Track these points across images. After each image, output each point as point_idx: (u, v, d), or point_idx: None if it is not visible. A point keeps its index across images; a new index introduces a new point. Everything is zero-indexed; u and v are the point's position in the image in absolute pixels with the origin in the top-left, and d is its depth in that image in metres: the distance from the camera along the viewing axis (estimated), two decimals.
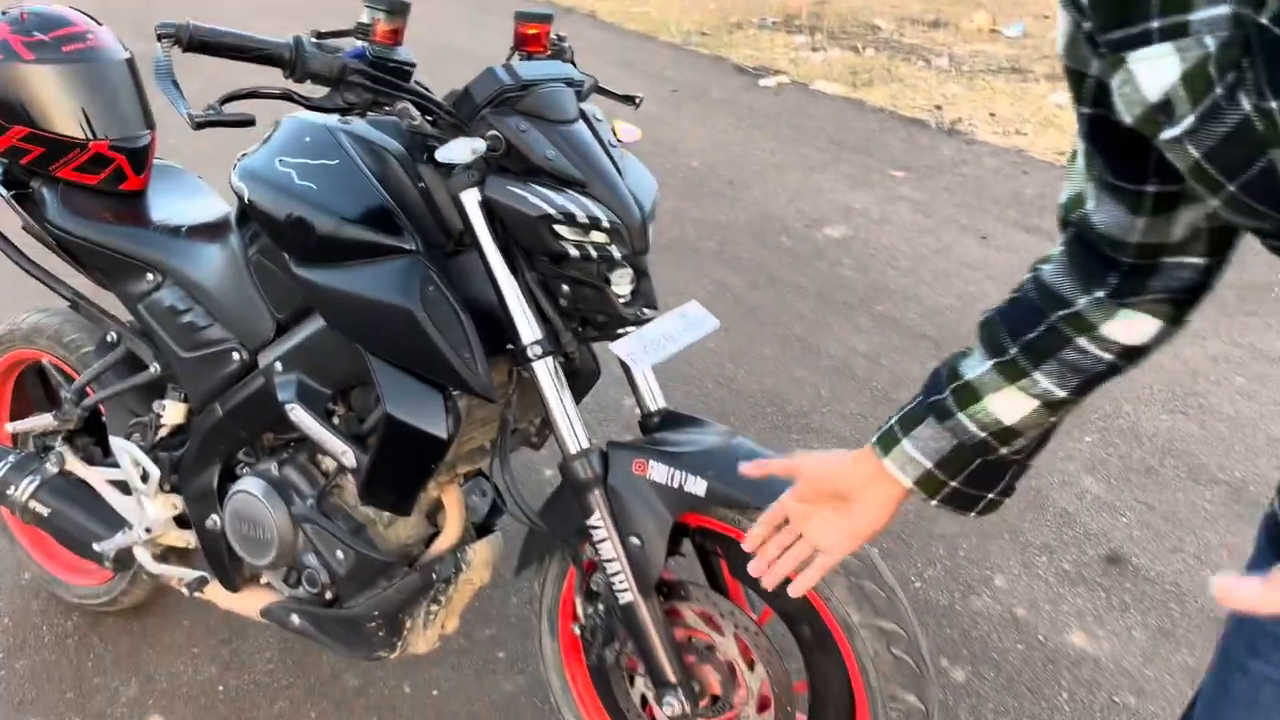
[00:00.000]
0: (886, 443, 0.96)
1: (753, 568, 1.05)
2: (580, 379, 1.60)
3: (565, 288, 1.37)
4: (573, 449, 1.38)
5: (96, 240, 1.73)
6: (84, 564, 2.17)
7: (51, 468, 1.89)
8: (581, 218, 1.30)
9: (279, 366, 1.55)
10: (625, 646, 1.47)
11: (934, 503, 0.97)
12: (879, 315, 3.22)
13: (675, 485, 1.34)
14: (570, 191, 1.31)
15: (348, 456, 1.49)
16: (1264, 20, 0.55)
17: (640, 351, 1.35)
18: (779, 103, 5.70)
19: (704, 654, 1.44)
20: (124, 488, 1.87)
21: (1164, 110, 0.62)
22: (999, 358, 0.89)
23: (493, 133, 1.31)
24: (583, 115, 1.39)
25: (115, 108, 1.76)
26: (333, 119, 1.43)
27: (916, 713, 1.31)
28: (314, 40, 1.27)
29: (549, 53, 1.53)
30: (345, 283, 1.38)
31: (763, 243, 3.78)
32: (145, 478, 1.78)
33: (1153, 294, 0.81)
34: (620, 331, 1.37)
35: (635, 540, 1.36)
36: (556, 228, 1.31)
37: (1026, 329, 0.87)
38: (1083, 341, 0.84)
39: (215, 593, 1.83)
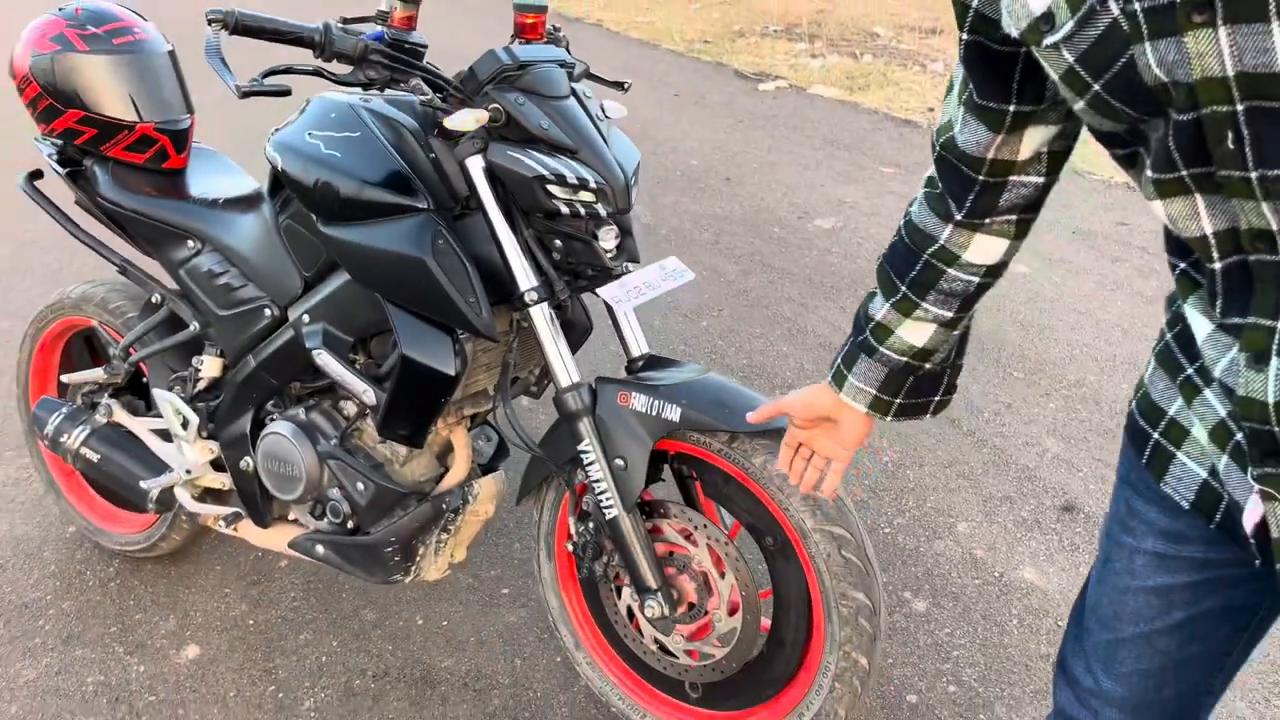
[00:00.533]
0: (838, 380, 1.18)
1: (790, 482, 1.28)
2: (575, 331, 1.80)
3: (558, 243, 1.57)
4: (565, 383, 1.57)
5: (143, 212, 1.94)
6: (123, 514, 2.38)
7: (100, 418, 2.10)
8: (571, 179, 1.50)
9: (306, 318, 1.75)
10: (612, 559, 1.66)
11: (890, 419, 1.18)
12: (863, 298, 3.41)
13: (654, 413, 1.54)
14: (562, 157, 1.51)
15: (368, 395, 1.69)
16: None
17: (623, 296, 1.55)
18: (777, 106, 5.91)
19: (681, 567, 1.63)
20: (165, 436, 2.08)
21: (1046, 20, 0.77)
22: (893, 297, 1.10)
23: (494, 105, 1.51)
24: (574, 93, 1.59)
25: (160, 94, 1.97)
26: (354, 97, 1.64)
27: (865, 608, 1.50)
28: (340, 25, 1.48)
29: (545, 39, 1.74)
30: (366, 238, 1.58)
31: (756, 233, 3.98)
32: (185, 425, 1.99)
33: (1000, 213, 1.00)
34: (607, 282, 1.57)
35: (620, 462, 1.56)
36: (549, 187, 1.51)
37: (908, 269, 1.08)
38: (952, 271, 1.05)
39: (247, 529, 2.03)
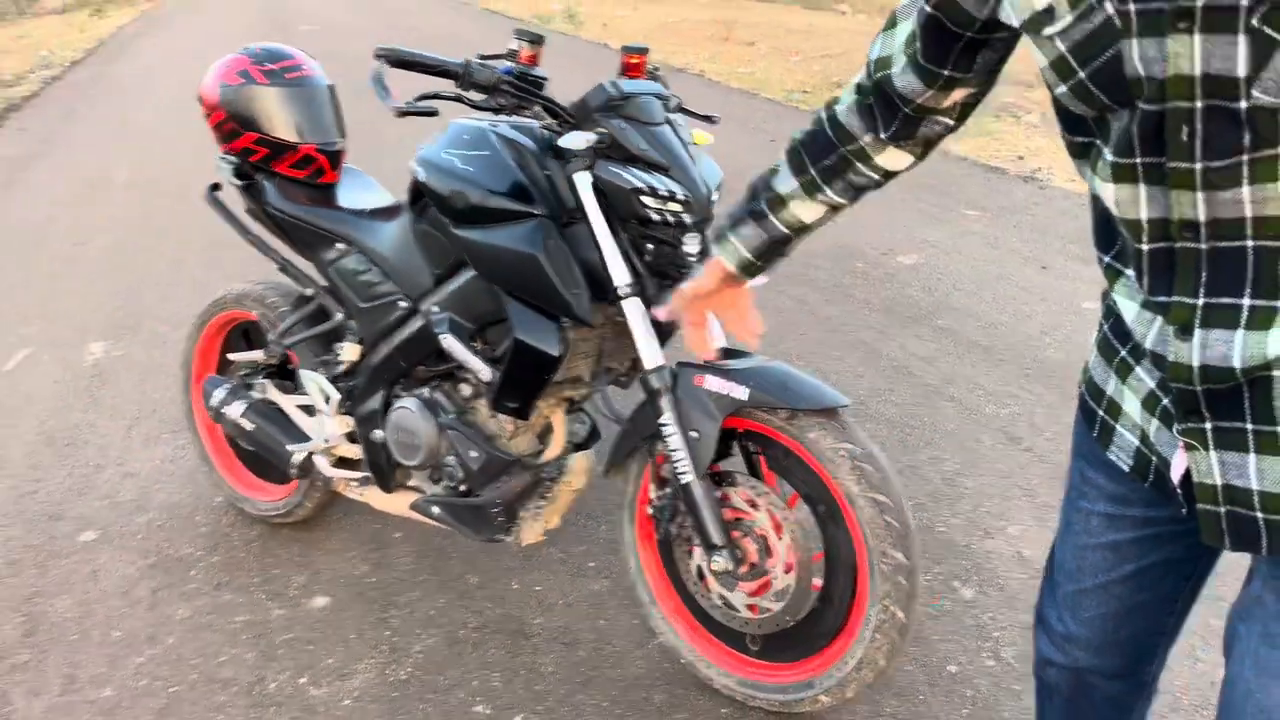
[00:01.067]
0: (719, 240, 1.46)
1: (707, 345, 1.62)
2: (662, 328, 2.08)
3: (649, 246, 1.86)
4: (650, 365, 1.85)
5: (302, 219, 2.30)
6: (266, 485, 2.73)
7: (256, 394, 2.46)
8: (663, 191, 1.79)
9: (435, 309, 2.07)
10: (685, 521, 1.91)
11: (742, 275, 1.46)
12: (939, 327, 3.61)
13: (724, 393, 1.80)
14: (655, 173, 1.80)
15: (484, 373, 1.99)
16: None
17: None
18: None
19: (745, 530, 1.87)
20: (308, 411, 2.42)
21: (1048, 14, 0.92)
22: (802, 176, 1.35)
23: (601, 129, 1.81)
24: (668, 120, 1.88)
25: (321, 121, 2.33)
26: (485, 121, 1.96)
27: (903, 567, 1.72)
28: (478, 60, 1.80)
29: (645, 77, 2.03)
30: (490, 238, 1.89)
31: (840, 266, 4.21)
32: (328, 401, 2.32)
33: (914, 139, 1.26)
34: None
35: (694, 434, 1.82)
36: (644, 198, 1.79)
37: (823, 157, 1.32)
38: (861, 167, 1.30)
39: (372, 494, 2.35)
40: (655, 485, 1.97)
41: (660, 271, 1.88)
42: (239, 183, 2.38)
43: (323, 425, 2.35)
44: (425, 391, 2.18)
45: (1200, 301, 0.91)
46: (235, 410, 2.43)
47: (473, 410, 2.15)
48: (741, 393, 1.78)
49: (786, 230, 1.39)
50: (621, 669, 2.14)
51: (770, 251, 1.43)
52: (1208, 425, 0.95)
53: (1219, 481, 0.96)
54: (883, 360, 3.39)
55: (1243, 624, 1.02)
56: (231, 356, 2.58)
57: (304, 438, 2.40)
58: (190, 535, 2.72)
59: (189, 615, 2.41)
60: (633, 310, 1.85)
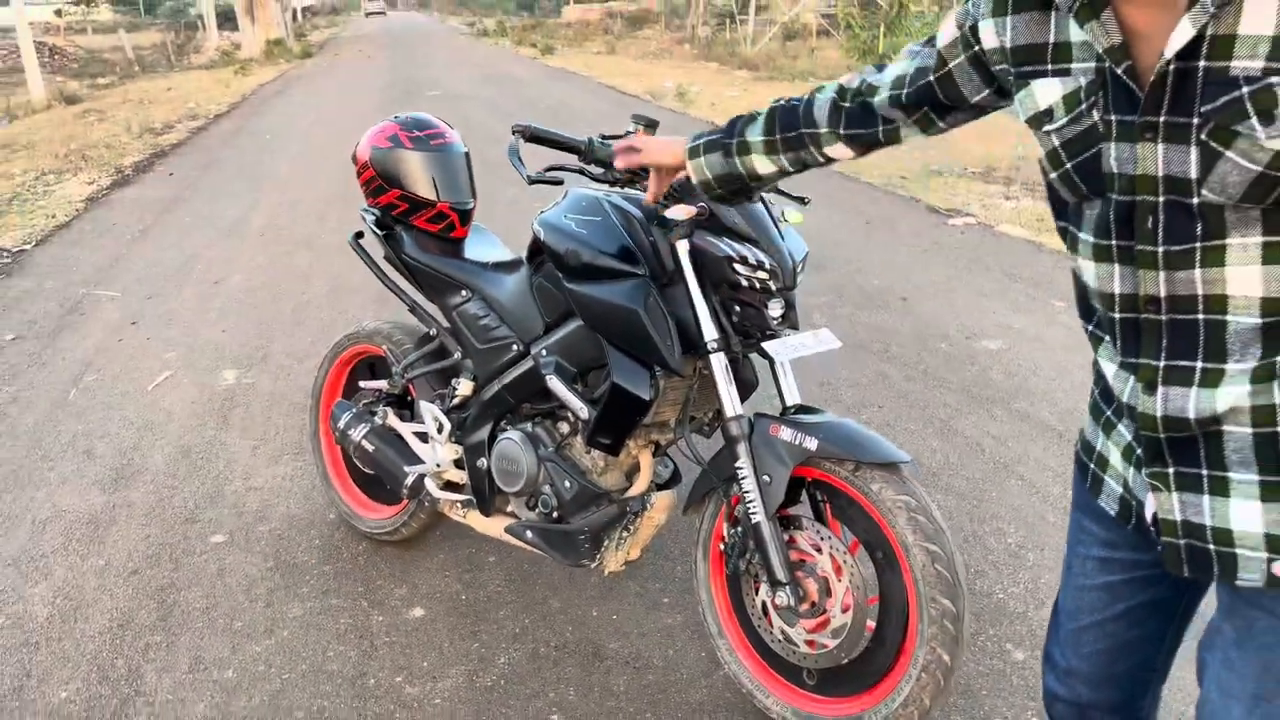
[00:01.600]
0: (693, 153, 1.74)
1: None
2: (744, 385, 2.29)
3: (737, 309, 2.09)
4: (730, 414, 2.06)
5: (433, 267, 2.60)
6: (376, 505, 3.01)
7: (378, 420, 2.75)
8: (752, 260, 2.02)
9: (544, 353, 2.33)
10: (754, 558, 2.11)
11: (704, 192, 1.77)
12: (1015, 410, 3.74)
13: (796, 443, 2.00)
14: (747, 244, 2.04)
15: (583, 412, 2.24)
16: (1114, 70, 1.06)
17: (782, 350, 2.04)
18: (963, 240, 6.31)
19: (808, 571, 2.05)
20: (422, 438, 2.70)
21: (1048, 114, 1.15)
22: (768, 137, 1.62)
23: (701, 205, 2.06)
24: (762, 199, 2.12)
25: (456, 183, 2.64)
26: (601, 191, 2.23)
27: (950, 613, 1.88)
28: (600, 139, 2.08)
29: None
30: (598, 292, 2.15)
31: (923, 346, 4.37)
32: (441, 429, 2.60)
33: (862, 144, 1.53)
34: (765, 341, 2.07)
35: (766, 478, 2.02)
36: (735, 265, 2.03)
37: (789, 130, 1.60)
38: (813, 149, 1.57)
39: (473, 517, 2.60)
40: (728, 524, 2.18)
41: (744, 331, 2.11)
42: (380, 232, 2.70)
43: (435, 451, 2.62)
44: (528, 426, 2.43)
45: (1162, 364, 1.11)
46: (359, 433, 2.72)
47: (569, 446, 2.40)
48: (811, 444, 1.98)
49: (742, 171, 1.68)
50: (687, 695, 2.32)
51: (727, 182, 1.73)
52: (1170, 470, 1.14)
53: (1179, 518, 1.14)
54: (957, 436, 3.53)
55: (1208, 653, 1.20)
56: (362, 384, 2.88)
57: (417, 461, 2.67)
58: (306, 545, 3.01)
59: (301, 614, 2.68)
60: (718, 364, 2.07)
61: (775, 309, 2.07)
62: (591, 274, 2.17)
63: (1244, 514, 1.09)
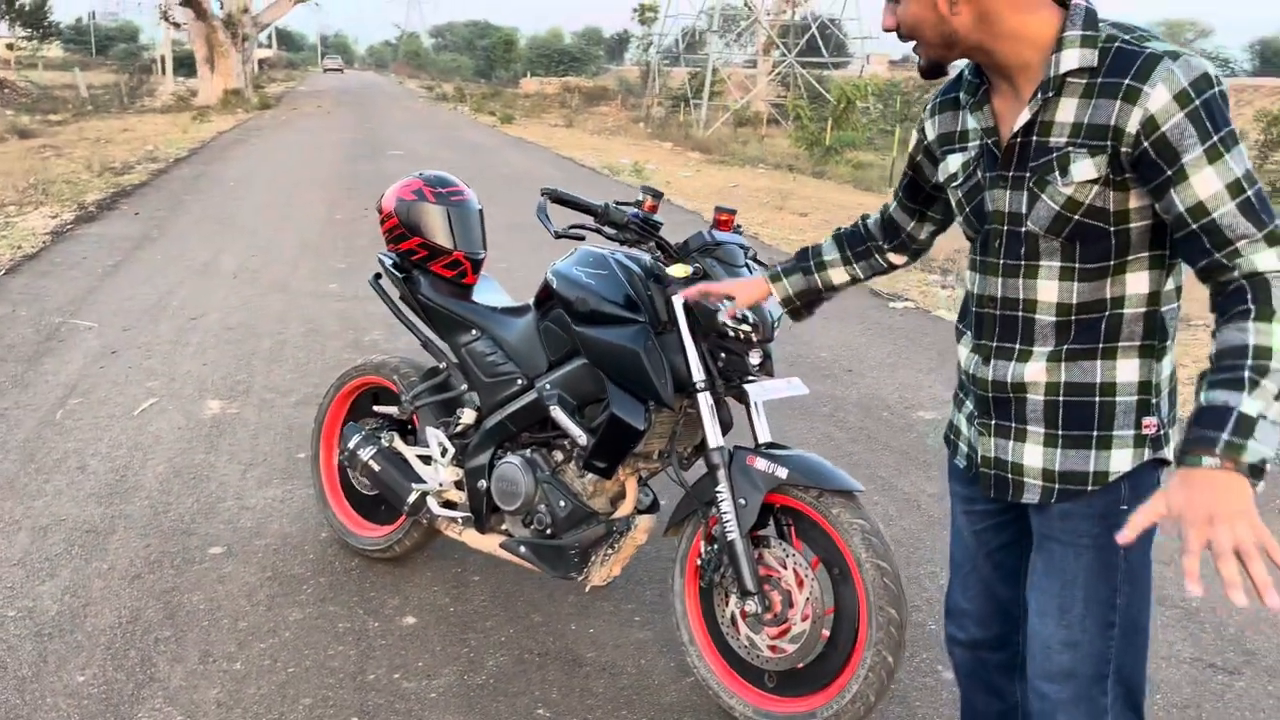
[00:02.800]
0: (774, 278, 2.11)
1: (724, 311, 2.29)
2: (723, 425, 2.63)
3: (723, 355, 2.44)
4: (713, 445, 2.40)
5: (447, 307, 2.92)
6: (370, 524, 3.26)
7: (385, 442, 3.03)
8: (739, 314, 2.38)
9: (548, 386, 2.65)
10: (727, 571, 2.42)
11: (787, 313, 2.14)
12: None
13: (769, 472, 2.33)
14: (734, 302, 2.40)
15: (582, 438, 2.55)
16: (989, 142, 1.57)
17: (759, 392, 2.39)
18: (904, 321, 6.79)
19: (774, 585, 2.37)
20: (425, 461, 2.98)
21: (954, 176, 1.66)
22: (842, 253, 2.03)
23: (696, 265, 2.42)
24: (748, 265, 2.49)
25: (470, 234, 2.98)
26: (609, 249, 2.58)
27: (895, 620, 2.21)
28: (614, 204, 2.44)
29: (732, 230, 2.66)
30: (603, 335, 2.48)
31: (867, 414, 4.77)
32: (445, 453, 2.89)
33: (905, 250, 1.97)
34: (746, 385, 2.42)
35: (742, 501, 2.35)
36: (722, 318, 2.38)
37: (857, 246, 2.01)
38: (878, 258, 1.98)
39: (469, 534, 2.88)
40: (706, 542, 2.49)
41: (727, 375, 2.46)
42: (399, 275, 3.01)
43: (438, 472, 2.91)
44: (527, 452, 2.74)
45: (995, 344, 1.64)
46: (367, 453, 3.00)
47: (563, 471, 2.70)
48: (782, 473, 2.32)
49: (820, 285, 2.05)
50: (659, 697, 2.61)
51: (805, 295, 2.09)
52: (992, 421, 1.67)
53: (993, 455, 1.67)
54: (897, 493, 3.90)
55: (1028, 591, 1.69)
56: (376, 409, 3.16)
57: (420, 481, 2.95)
58: (301, 559, 3.25)
59: (301, 618, 2.91)
60: (704, 402, 2.41)
61: (755, 357, 2.42)
62: (598, 319, 2.50)
63: (1031, 455, 1.62)
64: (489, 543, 2.84)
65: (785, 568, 2.37)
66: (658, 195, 2.48)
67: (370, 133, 21.90)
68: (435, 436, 2.91)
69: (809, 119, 22.76)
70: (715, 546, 2.46)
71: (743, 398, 2.47)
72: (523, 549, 2.73)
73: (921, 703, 2.62)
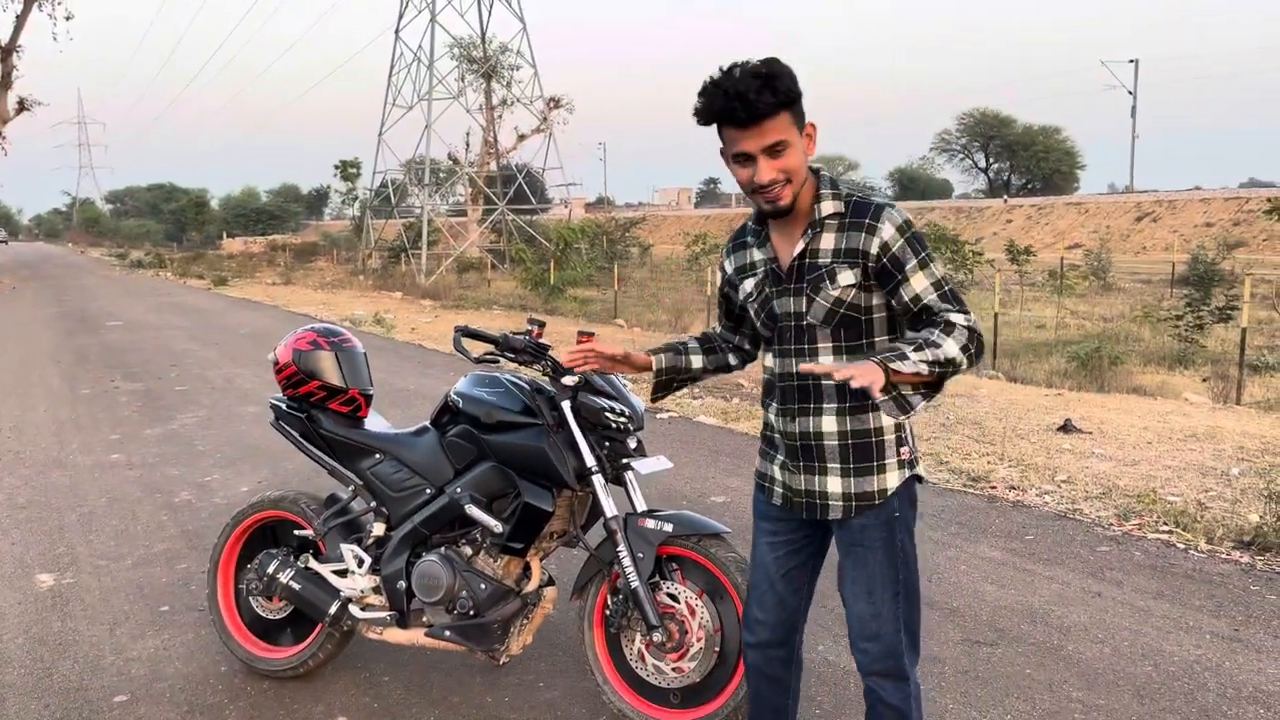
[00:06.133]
0: (653, 353, 2.69)
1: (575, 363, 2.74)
2: (612, 495, 3.26)
3: (607, 444, 3.10)
4: (610, 514, 3.02)
5: (350, 438, 3.38)
6: (277, 648, 3.56)
7: (301, 564, 3.39)
8: (618, 410, 3.06)
9: (458, 490, 3.18)
10: (632, 614, 3.02)
11: (656, 378, 2.69)
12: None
13: (658, 528, 2.99)
14: (614, 400, 3.08)
15: (497, 527, 3.09)
16: (773, 267, 2.32)
17: (640, 468, 3.07)
18: (672, 428, 7.70)
19: (671, 618, 3.00)
20: (340, 574, 3.37)
21: (749, 295, 2.40)
22: (701, 347, 2.72)
23: (580, 374, 3.09)
24: (617, 376, 3.18)
25: (359, 374, 3.48)
26: (495, 371, 3.20)
27: None
28: (511, 334, 3.07)
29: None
30: (510, 439, 3.07)
31: (670, 503, 5.53)
32: (361, 563, 3.31)
33: (739, 352, 2.67)
34: (629, 464, 3.09)
35: (640, 554, 2.98)
36: (606, 414, 3.06)
37: (708, 344, 2.70)
38: (721, 354, 2.72)
39: (390, 633, 3.29)
40: (611, 595, 3.09)
41: (612, 459, 3.11)
42: (300, 415, 3.44)
43: (355, 582, 3.31)
44: (441, 550, 3.23)
45: (796, 406, 2.31)
46: (287, 575, 3.35)
47: (475, 560, 3.22)
48: (669, 527, 2.98)
49: (685, 365, 2.63)
50: None
51: (673, 372, 2.64)
52: (800, 463, 2.33)
53: (804, 488, 2.34)
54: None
55: (840, 587, 2.39)
56: (297, 533, 3.50)
57: (337, 594, 3.33)
58: (212, 690, 3.47)
59: None
60: (599, 482, 3.05)
61: (632, 442, 3.11)
62: (503, 427, 3.10)
63: (833, 484, 2.30)
64: (412, 635, 3.26)
65: (679, 602, 3.01)
66: (541, 324, 3.15)
67: (76, 306, 20.74)
68: (350, 551, 3.33)
69: (531, 262, 24.10)
70: (620, 596, 3.06)
71: (619, 480, 3.13)
72: (448, 633, 3.18)
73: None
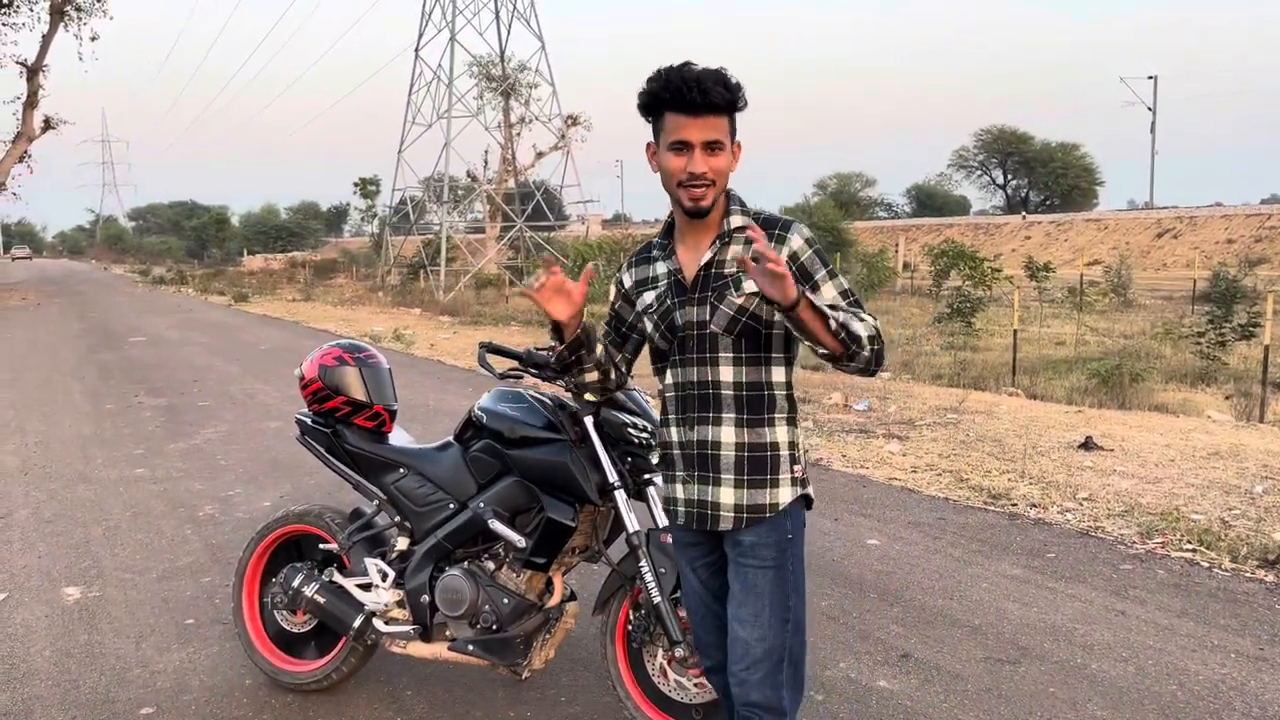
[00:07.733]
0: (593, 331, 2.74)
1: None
2: (634, 510, 3.28)
3: (629, 459, 3.12)
4: (632, 530, 3.04)
5: (375, 453, 3.41)
6: (303, 661, 3.59)
7: (325, 577, 3.42)
8: (640, 425, 3.08)
9: (481, 505, 3.20)
10: (655, 629, 3.03)
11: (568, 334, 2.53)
12: None
13: None
14: (636, 416, 3.10)
15: (520, 542, 3.11)
16: (678, 278, 2.34)
17: (660, 485, 3.08)
18: None
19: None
20: (364, 588, 3.40)
21: (649, 307, 2.40)
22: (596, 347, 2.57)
23: (598, 402, 3.11)
24: (637, 390, 3.20)
25: (384, 390, 3.52)
26: (519, 387, 3.23)
27: None
28: (535, 349, 3.10)
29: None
30: (533, 454, 3.10)
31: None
32: (385, 577, 3.33)
33: (627, 364, 2.65)
34: (652, 479, 3.11)
35: (662, 570, 2.99)
36: (629, 429, 3.08)
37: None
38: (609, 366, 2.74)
39: (414, 646, 3.31)
40: (633, 610, 3.10)
41: (635, 474, 3.13)
42: (325, 430, 3.48)
43: (379, 596, 3.34)
44: (466, 564, 3.25)
45: (695, 415, 2.31)
46: (312, 589, 3.38)
47: (498, 575, 3.24)
48: None
49: (592, 348, 2.51)
50: None
51: (588, 344, 2.49)
52: (695, 473, 2.33)
53: (696, 499, 2.33)
54: None
55: (729, 608, 2.33)
56: (321, 547, 3.53)
57: (361, 608, 3.36)
58: (237, 704, 3.50)
59: None
60: (620, 498, 3.07)
61: (654, 457, 3.12)
62: (527, 442, 3.12)
63: (726, 495, 2.29)
64: (435, 649, 3.28)
65: None
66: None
67: (100, 322, 20.96)
68: (374, 565, 3.35)
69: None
70: (642, 611, 3.07)
71: (641, 496, 3.14)
72: (471, 647, 3.20)
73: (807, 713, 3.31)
